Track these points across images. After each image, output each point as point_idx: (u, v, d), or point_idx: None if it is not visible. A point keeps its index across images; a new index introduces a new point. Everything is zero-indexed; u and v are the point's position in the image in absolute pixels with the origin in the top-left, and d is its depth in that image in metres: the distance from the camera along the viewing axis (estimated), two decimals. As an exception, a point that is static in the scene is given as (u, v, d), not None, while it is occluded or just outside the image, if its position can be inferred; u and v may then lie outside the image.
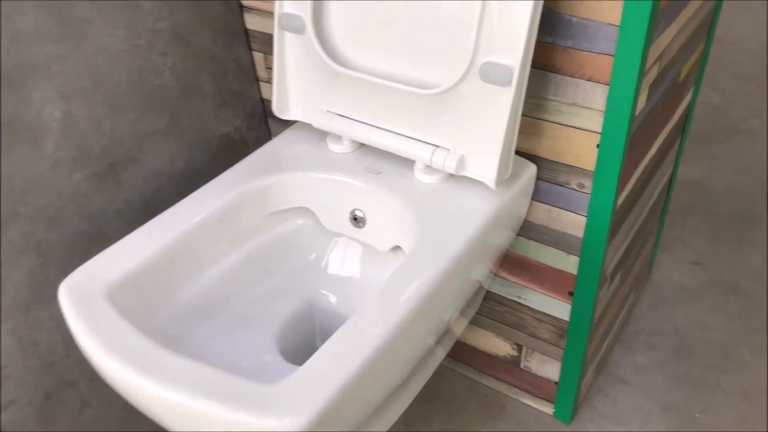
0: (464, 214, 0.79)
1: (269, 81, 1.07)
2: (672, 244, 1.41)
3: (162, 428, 1.05)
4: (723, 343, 1.21)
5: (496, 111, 0.74)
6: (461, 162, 0.80)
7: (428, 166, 0.83)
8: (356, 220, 0.87)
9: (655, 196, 1.10)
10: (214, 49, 0.98)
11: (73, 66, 0.80)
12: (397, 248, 0.86)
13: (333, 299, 0.91)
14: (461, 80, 0.74)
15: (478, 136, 0.77)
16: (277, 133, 1.13)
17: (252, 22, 1.01)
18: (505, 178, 0.79)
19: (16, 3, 0.73)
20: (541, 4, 0.69)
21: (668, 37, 0.80)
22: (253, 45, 1.04)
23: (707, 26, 1.00)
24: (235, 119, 1.05)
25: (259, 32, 1.02)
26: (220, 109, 1.02)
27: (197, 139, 1.00)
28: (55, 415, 0.91)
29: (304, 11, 0.83)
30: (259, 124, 1.10)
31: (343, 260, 0.92)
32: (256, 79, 1.07)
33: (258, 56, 1.05)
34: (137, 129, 0.90)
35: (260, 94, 1.09)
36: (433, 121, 0.80)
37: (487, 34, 0.71)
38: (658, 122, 0.93)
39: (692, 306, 1.28)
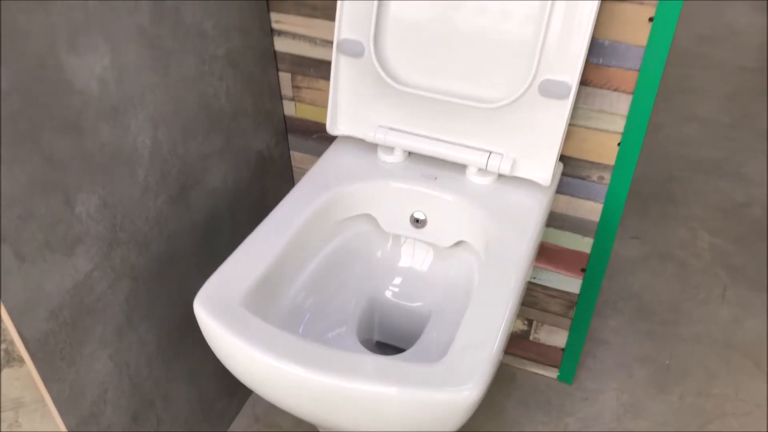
0: (523, 208, 0.92)
1: (293, 99, 1.14)
2: (613, 223, 1.65)
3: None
4: (671, 301, 1.45)
5: (553, 120, 0.88)
6: (514, 164, 0.94)
7: (481, 170, 0.96)
8: (417, 222, 0.98)
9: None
10: (255, 71, 1.04)
11: (160, 94, 0.84)
12: (457, 244, 0.98)
13: (395, 292, 1.01)
14: (522, 95, 0.88)
15: (533, 142, 0.91)
16: (296, 149, 1.20)
17: (281, 44, 1.08)
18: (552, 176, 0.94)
19: (124, 37, 0.76)
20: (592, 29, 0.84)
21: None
22: (280, 66, 1.10)
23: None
24: (266, 136, 1.11)
25: (287, 53, 1.08)
26: (257, 128, 1.07)
27: (242, 157, 1.05)
28: (138, 436, 0.93)
29: (365, 37, 0.92)
30: (282, 141, 1.17)
31: (406, 258, 1.02)
32: (281, 98, 1.14)
33: (284, 76, 1.11)
34: (202, 151, 0.94)
35: (283, 111, 1.15)
36: (488, 130, 0.93)
37: (547, 55, 0.85)
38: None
39: (641, 274, 1.52)
